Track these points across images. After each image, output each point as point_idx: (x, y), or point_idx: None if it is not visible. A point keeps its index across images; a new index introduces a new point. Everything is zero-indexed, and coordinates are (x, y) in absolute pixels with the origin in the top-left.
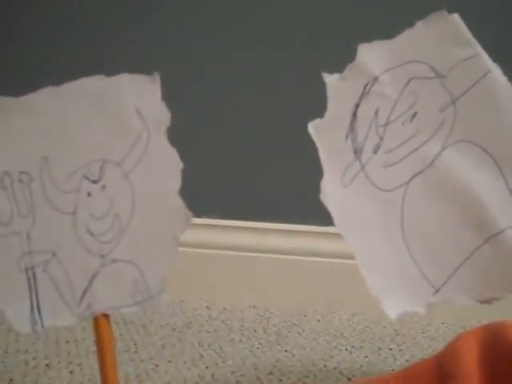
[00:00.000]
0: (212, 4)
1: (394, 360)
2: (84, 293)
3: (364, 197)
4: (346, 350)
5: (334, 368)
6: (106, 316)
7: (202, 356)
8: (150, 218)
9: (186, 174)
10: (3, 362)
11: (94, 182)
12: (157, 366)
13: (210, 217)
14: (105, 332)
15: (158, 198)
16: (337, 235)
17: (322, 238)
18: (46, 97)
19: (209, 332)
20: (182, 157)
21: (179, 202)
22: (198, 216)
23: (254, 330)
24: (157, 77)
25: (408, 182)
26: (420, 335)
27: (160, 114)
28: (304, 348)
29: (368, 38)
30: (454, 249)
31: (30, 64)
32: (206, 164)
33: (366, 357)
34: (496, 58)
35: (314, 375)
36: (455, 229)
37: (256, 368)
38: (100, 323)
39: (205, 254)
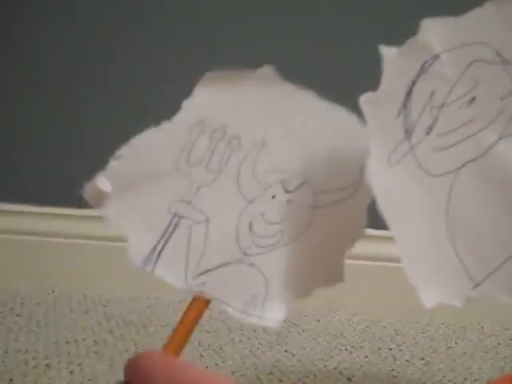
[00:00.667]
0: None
1: (394, 360)
2: (207, 271)
3: (410, 179)
4: (346, 349)
5: (334, 368)
6: (208, 302)
7: (201, 356)
8: (305, 256)
9: None
10: (3, 361)
11: (286, 191)
12: None
13: None
14: (197, 314)
15: (323, 245)
16: None
17: None
18: (304, 99)
19: (209, 332)
20: None
21: (339, 263)
22: None
23: (254, 330)
24: None
25: (459, 168)
26: (420, 335)
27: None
28: (304, 348)
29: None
30: (499, 244)
31: (29, 64)
32: None
33: (366, 357)
34: None
35: (314, 375)
36: (503, 223)
37: (256, 368)
38: (199, 304)
39: None
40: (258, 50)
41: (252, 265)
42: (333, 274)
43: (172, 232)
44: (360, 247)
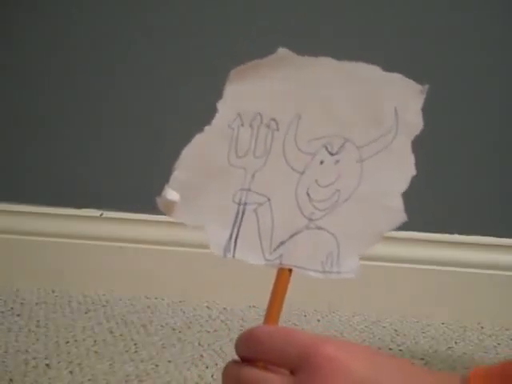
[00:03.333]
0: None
1: None
2: (281, 244)
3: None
4: None
5: None
6: (290, 271)
7: (201, 356)
8: (366, 206)
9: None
10: (3, 361)
11: (331, 154)
12: (157, 366)
13: None
14: (284, 285)
15: (380, 191)
16: None
17: None
18: (325, 65)
19: (209, 332)
20: None
21: (399, 205)
22: None
23: None
24: (426, 88)
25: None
26: (420, 335)
27: (415, 122)
28: None
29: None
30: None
31: (29, 64)
32: None
33: None
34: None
35: None
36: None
37: None
38: (283, 276)
39: (205, 253)
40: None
41: (319, 228)
42: (394, 216)
43: (241, 219)
44: None
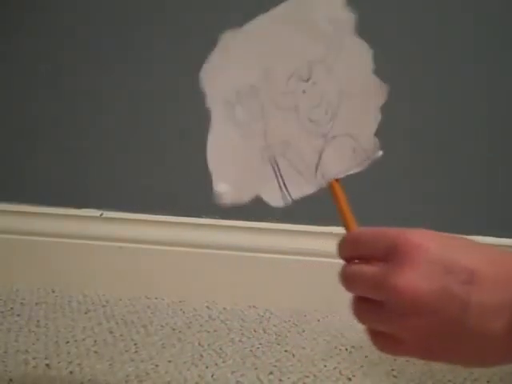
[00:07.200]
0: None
1: (394, 360)
2: (317, 167)
3: None
4: (346, 349)
5: (334, 368)
6: (337, 181)
7: (201, 356)
8: (355, 96)
9: (186, 174)
10: (3, 361)
11: (305, 81)
12: (157, 366)
13: (210, 217)
14: (340, 193)
15: (358, 80)
16: (337, 235)
17: (322, 238)
18: (260, 23)
19: (209, 332)
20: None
21: (375, 80)
22: (198, 216)
23: (254, 330)
24: None
25: None
26: None
27: (344, 16)
28: (304, 348)
29: None
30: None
31: (30, 64)
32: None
33: (366, 357)
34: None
35: (314, 375)
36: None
37: (256, 368)
38: (335, 187)
39: (205, 254)
40: None
41: (334, 136)
42: (380, 90)
43: (278, 168)
44: None
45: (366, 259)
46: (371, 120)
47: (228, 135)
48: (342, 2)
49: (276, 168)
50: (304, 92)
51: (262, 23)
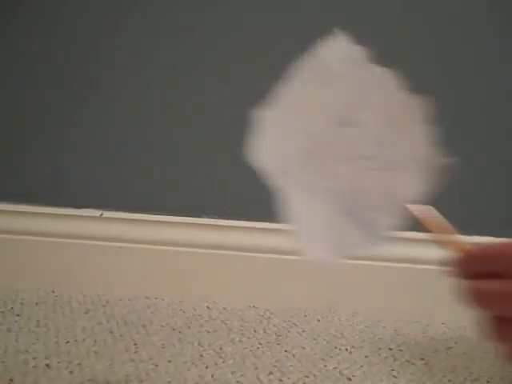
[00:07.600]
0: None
1: (394, 360)
2: (393, 199)
3: None
4: (346, 349)
5: (334, 368)
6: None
7: (201, 356)
8: (397, 120)
9: (185, 174)
10: (3, 362)
11: (348, 124)
12: (157, 366)
13: (209, 217)
14: (433, 222)
15: (393, 104)
16: None
17: None
18: (288, 92)
19: (209, 332)
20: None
21: (409, 96)
22: (198, 216)
23: (254, 330)
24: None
25: None
26: (420, 335)
27: (354, 53)
28: (304, 348)
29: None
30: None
31: (29, 65)
32: (218, 164)
33: (366, 357)
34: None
35: (314, 375)
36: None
37: (256, 368)
38: (427, 220)
39: (205, 254)
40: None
41: (394, 164)
42: None
43: (358, 215)
44: None
45: (493, 276)
46: (419, 133)
47: (304, 203)
48: (345, 41)
49: (356, 215)
50: (350, 135)
51: (289, 92)
